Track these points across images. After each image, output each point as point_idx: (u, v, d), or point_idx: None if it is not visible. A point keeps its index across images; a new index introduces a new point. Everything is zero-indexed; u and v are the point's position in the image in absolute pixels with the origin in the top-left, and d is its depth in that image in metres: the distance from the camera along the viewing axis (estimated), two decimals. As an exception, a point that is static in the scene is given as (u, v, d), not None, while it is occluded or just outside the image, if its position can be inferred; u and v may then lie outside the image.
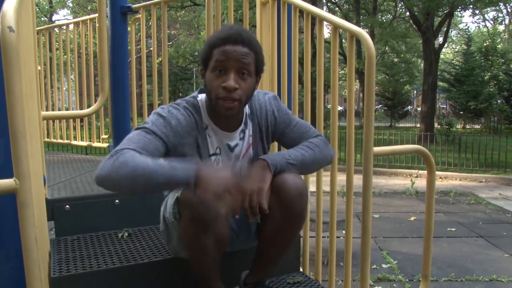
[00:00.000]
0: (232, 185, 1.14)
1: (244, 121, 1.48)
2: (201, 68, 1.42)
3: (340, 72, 23.60)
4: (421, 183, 8.08)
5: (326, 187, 1.88)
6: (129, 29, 3.49)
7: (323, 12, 1.76)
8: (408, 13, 16.60)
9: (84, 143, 3.85)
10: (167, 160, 1.23)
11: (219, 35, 1.34)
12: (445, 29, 17.42)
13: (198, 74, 1.47)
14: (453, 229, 5.31)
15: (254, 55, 1.35)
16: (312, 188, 2.07)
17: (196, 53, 17.79)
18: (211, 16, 2.43)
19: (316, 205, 1.91)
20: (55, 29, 4.06)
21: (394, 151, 1.61)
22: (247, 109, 1.50)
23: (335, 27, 1.70)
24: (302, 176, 1.50)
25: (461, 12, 21.25)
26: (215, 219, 1.26)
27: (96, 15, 3.09)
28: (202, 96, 1.45)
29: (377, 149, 1.52)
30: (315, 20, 1.80)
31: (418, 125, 18.18)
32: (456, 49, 35.89)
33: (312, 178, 2.00)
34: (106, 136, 3.63)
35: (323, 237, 2.01)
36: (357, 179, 1.70)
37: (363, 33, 1.51)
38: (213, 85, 1.32)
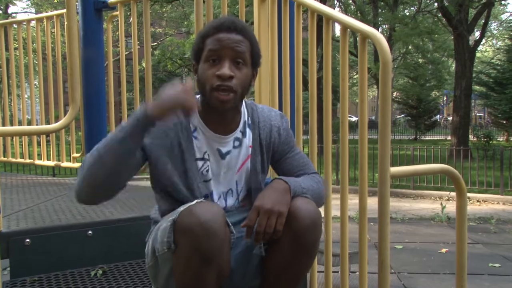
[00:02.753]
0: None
1: (241, 129, 1.55)
2: (193, 64, 1.52)
3: (354, 77, 23.74)
4: (453, 207, 8.03)
5: (336, 212, 1.89)
6: (105, 26, 3.54)
7: (330, 10, 1.80)
8: (436, 5, 16.76)
9: (51, 163, 3.86)
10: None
11: (211, 24, 1.47)
12: (483, 21, 17.50)
13: (192, 79, 1.54)
14: (497, 265, 5.24)
15: (249, 44, 1.46)
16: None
17: (186, 56, 18.08)
18: (201, 14, 2.47)
19: (325, 233, 1.93)
20: (14, 24, 4.11)
21: (415, 171, 1.64)
22: (246, 117, 1.58)
23: (345, 27, 1.74)
24: None
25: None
26: (221, 247, 1.29)
27: (64, 11, 3.13)
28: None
29: (394, 169, 1.54)
30: (323, 17, 1.84)
31: (449, 137, 18.21)
32: (497, 46, 35.71)
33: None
34: (78, 155, 3.65)
35: (333, 272, 2.02)
36: (375, 202, 1.71)
37: (377, 34, 1.55)
38: (207, 75, 1.42)
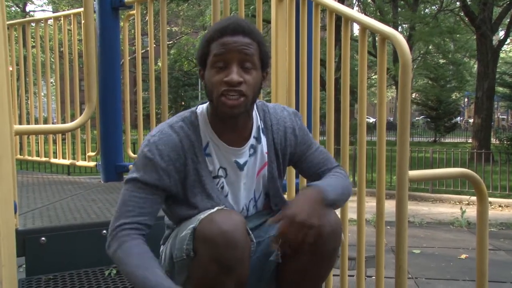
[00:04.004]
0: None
1: (255, 135, 1.52)
2: (199, 69, 1.48)
3: (373, 77, 23.60)
4: (474, 212, 7.92)
5: (353, 215, 1.88)
6: (121, 24, 3.58)
7: (349, 10, 1.80)
8: (458, 3, 16.54)
9: (67, 162, 3.91)
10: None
11: (215, 27, 1.41)
12: (508, 20, 17.17)
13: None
14: (520, 273, 5.16)
15: (257, 45, 1.40)
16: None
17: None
18: (218, 12, 2.49)
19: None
20: (31, 23, 4.17)
21: (435, 175, 1.63)
22: (259, 122, 1.54)
23: (364, 28, 1.73)
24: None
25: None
26: (242, 257, 1.29)
27: (81, 9, 3.17)
28: (202, 107, 1.51)
29: (413, 173, 1.53)
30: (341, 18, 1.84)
31: (470, 140, 17.99)
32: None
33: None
34: (93, 154, 3.69)
35: (349, 276, 2.01)
36: (392, 205, 1.70)
37: (397, 35, 1.55)
38: (214, 82, 1.37)
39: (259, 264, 1.50)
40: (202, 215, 1.33)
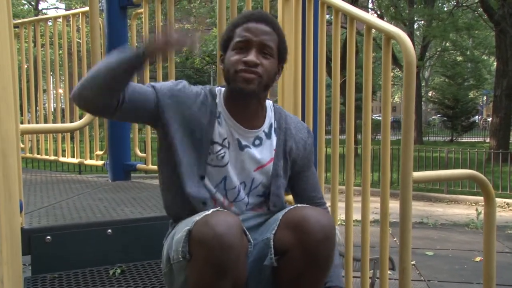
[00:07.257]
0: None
1: (266, 130, 1.60)
2: (220, 54, 1.59)
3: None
4: (490, 213, 7.85)
5: (358, 215, 1.89)
6: (129, 22, 3.62)
7: (355, 9, 1.82)
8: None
9: (75, 160, 3.97)
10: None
11: (242, 14, 1.58)
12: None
13: (220, 74, 1.68)
14: (540, 276, 5.09)
15: (277, 37, 1.53)
16: (341, 215, 2.09)
17: (215, 52, 18.32)
18: (223, 8, 2.50)
19: (345, 238, 1.93)
20: (41, 22, 4.23)
21: (439, 176, 1.63)
22: (273, 121, 1.62)
23: (369, 27, 1.74)
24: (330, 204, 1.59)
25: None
26: (237, 260, 1.30)
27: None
28: (220, 89, 1.61)
29: (417, 174, 1.54)
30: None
31: (488, 140, 17.82)
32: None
33: (340, 203, 2.03)
34: (101, 153, 3.74)
35: (354, 277, 2.02)
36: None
37: (401, 35, 1.56)
38: (233, 60, 1.48)
39: (256, 267, 1.50)
40: (197, 217, 1.35)
